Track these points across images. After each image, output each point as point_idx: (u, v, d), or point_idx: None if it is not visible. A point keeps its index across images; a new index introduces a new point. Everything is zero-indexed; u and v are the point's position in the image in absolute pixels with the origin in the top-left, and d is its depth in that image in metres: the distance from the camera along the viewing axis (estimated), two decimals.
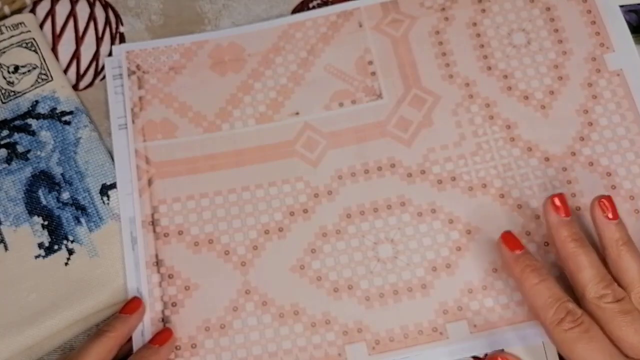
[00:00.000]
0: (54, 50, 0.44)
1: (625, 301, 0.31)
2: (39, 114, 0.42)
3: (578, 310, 0.31)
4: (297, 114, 0.41)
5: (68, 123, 0.42)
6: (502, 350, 0.35)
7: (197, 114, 0.42)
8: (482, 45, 0.42)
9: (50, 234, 0.39)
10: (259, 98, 0.42)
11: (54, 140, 0.41)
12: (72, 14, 0.45)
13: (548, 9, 0.42)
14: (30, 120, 0.42)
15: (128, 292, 0.38)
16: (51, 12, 0.45)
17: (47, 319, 0.37)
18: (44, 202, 0.40)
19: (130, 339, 0.37)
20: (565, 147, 0.39)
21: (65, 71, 0.44)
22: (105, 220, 0.40)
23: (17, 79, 0.43)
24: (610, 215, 0.33)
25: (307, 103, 0.42)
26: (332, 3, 0.45)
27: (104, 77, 0.44)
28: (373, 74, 0.42)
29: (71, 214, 0.40)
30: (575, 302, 0.32)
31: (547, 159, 0.39)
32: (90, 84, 0.44)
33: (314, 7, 0.45)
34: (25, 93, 0.42)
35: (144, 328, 0.37)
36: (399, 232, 0.38)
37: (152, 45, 0.44)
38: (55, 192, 0.40)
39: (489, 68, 0.41)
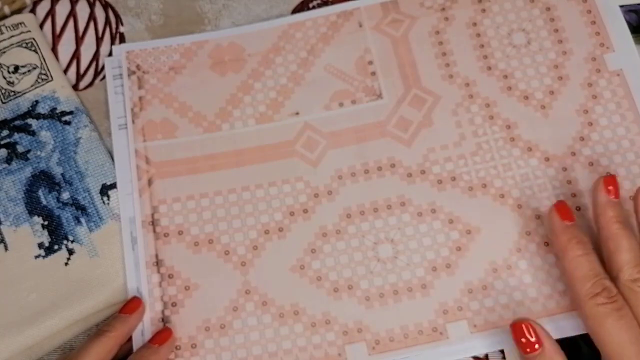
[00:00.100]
0: (54, 50, 0.44)
1: None
2: (39, 114, 0.42)
3: (614, 289, 0.32)
4: (297, 114, 0.41)
5: (68, 123, 0.42)
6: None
7: (197, 114, 0.42)
8: (482, 45, 0.42)
9: (50, 234, 0.39)
10: (259, 98, 0.42)
11: (54, 140, 0.41)
12: (72, 14, 0.45)
13: (548, 9, 0.42)
14: (30, 120, 0.42)
15: (128, 292, 0.38)
16: (51, 12, 0.45)
17: (47, 319, 0.37)
18: (44, 202, 0.40)
19: (130, 339, 0.37)
20: (565, 147, 0.39)
21: (65, 71, 0.44)
22: (105, 220, 0.40)
23: (17, 79, 0.43)
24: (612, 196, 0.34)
25: (307, 103, 0.42)
26: (332, 3, 0.45)
27: (104, 77, 0.44)
28: (373, 74, 0.42)
29: (71, 214, 0.40)
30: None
31: (547, 159, 0.39)
32: (90, 84, 0.44)
33: (314, 7, 0.45)
34: (25, 93, 0.42)
35: (144, 328, 0.37)
36: (399, 232, 0.38)
37: (152, 45, 0.44)
38: (55, 192, 0.40)
39: (489, 68, 0.41)
